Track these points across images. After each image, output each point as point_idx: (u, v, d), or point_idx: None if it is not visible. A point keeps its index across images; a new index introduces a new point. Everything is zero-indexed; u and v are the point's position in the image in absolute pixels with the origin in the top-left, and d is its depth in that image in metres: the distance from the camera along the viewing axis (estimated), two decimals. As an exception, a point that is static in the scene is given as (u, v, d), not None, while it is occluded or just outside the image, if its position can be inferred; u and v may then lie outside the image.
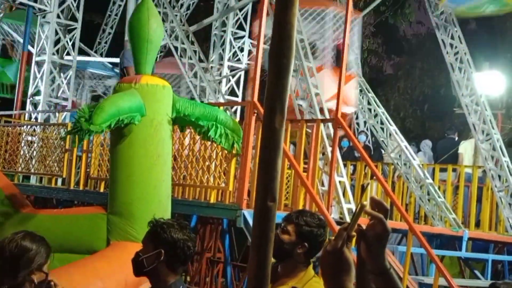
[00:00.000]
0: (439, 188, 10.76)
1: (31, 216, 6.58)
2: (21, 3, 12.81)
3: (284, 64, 1.80)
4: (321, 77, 9.47)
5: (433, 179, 10.76)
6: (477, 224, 11.00)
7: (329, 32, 10.56)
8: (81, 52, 15.33)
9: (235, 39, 14.72)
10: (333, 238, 1.96)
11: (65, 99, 12.39)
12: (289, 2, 1.83)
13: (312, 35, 10.70)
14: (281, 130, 1.79)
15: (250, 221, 6.56)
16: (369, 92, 12.24)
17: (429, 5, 11.43)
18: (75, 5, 12.52)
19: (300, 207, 6.78)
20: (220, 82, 13.62)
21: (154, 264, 3.47)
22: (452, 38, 11.17)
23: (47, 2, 12.25)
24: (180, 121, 6.46)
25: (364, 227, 2.01)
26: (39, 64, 12.39)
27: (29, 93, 12.45)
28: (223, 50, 14.62)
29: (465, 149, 12.60)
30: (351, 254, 1.94)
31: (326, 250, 1.93)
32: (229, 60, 14.62)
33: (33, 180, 10.44)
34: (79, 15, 12.51)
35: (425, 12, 12.88)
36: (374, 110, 11.93)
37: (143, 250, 3.53)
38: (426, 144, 14.34)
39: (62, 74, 12.37)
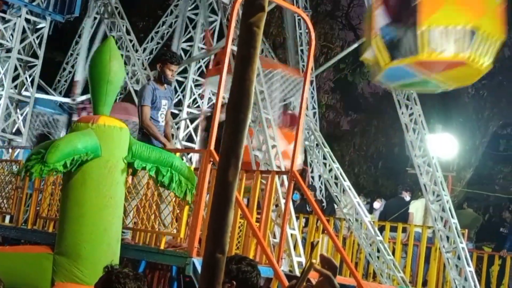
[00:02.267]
0: (388, 245, 10.87)
1: (-24, 253, 6.43)
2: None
3: (241, 119, 1.84)
4: None
5: (383, 237, 10.87)
6: (424, 284, 11.10)
7: (277, 93, 10.70)
8: (40, 89, 15.22)
9: (195, 86, 14.81)
10: None
11: (20, 135, 12.24)
12: (249, 58, 1.88)
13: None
14: (234, 183, 1.82)
15: (200, 270, 6.51)
16: (325, 147, 12.40)
17: (387, 66, 11.70)
18: (37, 42, 12.48)
19: (251, 258, 6.76)
20: (178, 128, 13.64)
21: None
22: (408, 99, 11.44)
23: (9, 37, 12.20)
24: (134, 165, 6.43)
25: (313, 282, 2.03)
26: (-4, 99, 12.28)
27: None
28: (183, 96, 14.68)
29: (416, 208, 12.79)
30: None
31: None
32: (188, 106, 14.68)
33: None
34: (41, 53, 12.47)
35: (383, 72, 13.17)
36: (329, 165, 12.07)
37: None
38: (382, 202, 14.71)
39: (18, 110, 12.25)
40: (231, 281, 3.67)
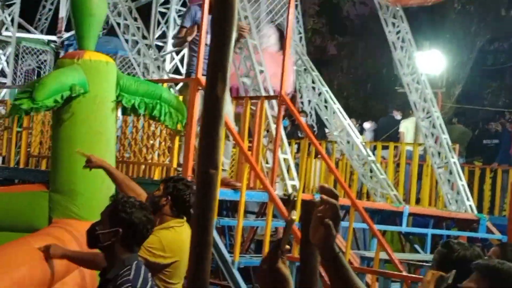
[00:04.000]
0: (381, 164, 10.95)
1: (-30, 195, 6.43)
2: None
3: (226, 32, 1.80)
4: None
5: (375, 157, 10.93)
6: (418, 202, 11.24)
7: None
8: (21, 28, 14.95)
9: (179, 16, 14.57)
10: (267, 254, 1.98)
11: (4, 76, 12.09)
12: (231, -29, 1.83)
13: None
14: (223, 98, 1.79)
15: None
16: (313, 71, 12.33)
17: (371, -15, 11.55)
18: (14, -21, 12.21)
19: (245, 184, 6.81)
20: (164, 60, 13.49)
21: (110, 241, 3.47)
22: (394, 17, 11.32)
23: (-16, -24, 11.90)
24: (123, 103, 6.35)
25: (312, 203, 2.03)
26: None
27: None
28: (167, 27, 14.47)
29: (406, 128, 12.86)
30: (287, 268, 1.97)
31: (262, 268, 1.96)
32: (173, 38, 14.46)
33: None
34: (19, -10, 12.21)
35: (368, -8, 13.02)
36: (318, 89, 12.02)
37: (100, 225, 3.53)
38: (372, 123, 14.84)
39: (1, 51, 12.05)
40: (167, 197, 4.25)
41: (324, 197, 1.96)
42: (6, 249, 4.18)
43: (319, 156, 11.00)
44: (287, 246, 1.98)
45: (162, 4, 14.55)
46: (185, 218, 4.42)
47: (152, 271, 4.04)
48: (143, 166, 7.51)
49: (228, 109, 7.28)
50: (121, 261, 3.44)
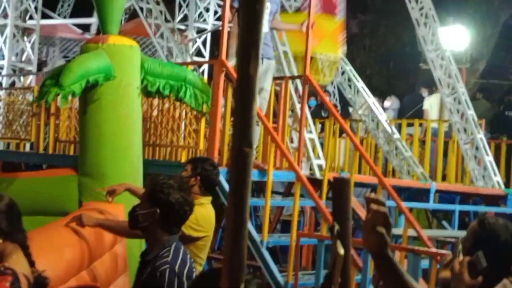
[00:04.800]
0: (406, 142, 10.90)
1: (1, 180, 6.53)
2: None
3: (257, 10, 1.80)
4: None
5: (400, 134, 10.88)
6: (444, 178, 11.18)
7: None
8: (44, 16, 15.03)
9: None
10: None
11: (30, 64, 12.18)
12: None
13: None
14: (256, 76, 1.80)
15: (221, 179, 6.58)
16: (335, 49, 12.25)
17: (393, -39, 11.42)
18: (36, -34, 12.25)
19: (271, 164, 6.83)
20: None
21: (148, 222, 3.52)
22: (417, -7, 11.20)
23: (7, -36, 11.97)
24: (148, 88, 6.38)
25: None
26: (1, 29, 12.13)
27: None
28: (188, 10, 14.45)
29: (430, 105, 12.74)
30: None
31: None
32: (195, 21, 14.46)
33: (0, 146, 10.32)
34: (41, -23, 12.26)
35: (389, -32, 12.88)
36: (341, 67, 11.95)
37: (140, 206, 3.61)
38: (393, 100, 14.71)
39: (26, 38, 12.14)
40: (196, 176, 4.61)
41: (374, 206, 1.98)
42: (44, 233, 4.25)
43: (343, 135, 10.98)
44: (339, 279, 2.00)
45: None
46: (210, 196, 4.71)
47: (184, 242, 4.16)
48: (169, 149, 7.56)
49: (264, 95, 7.29)
50: (160, 243, 3.48)
